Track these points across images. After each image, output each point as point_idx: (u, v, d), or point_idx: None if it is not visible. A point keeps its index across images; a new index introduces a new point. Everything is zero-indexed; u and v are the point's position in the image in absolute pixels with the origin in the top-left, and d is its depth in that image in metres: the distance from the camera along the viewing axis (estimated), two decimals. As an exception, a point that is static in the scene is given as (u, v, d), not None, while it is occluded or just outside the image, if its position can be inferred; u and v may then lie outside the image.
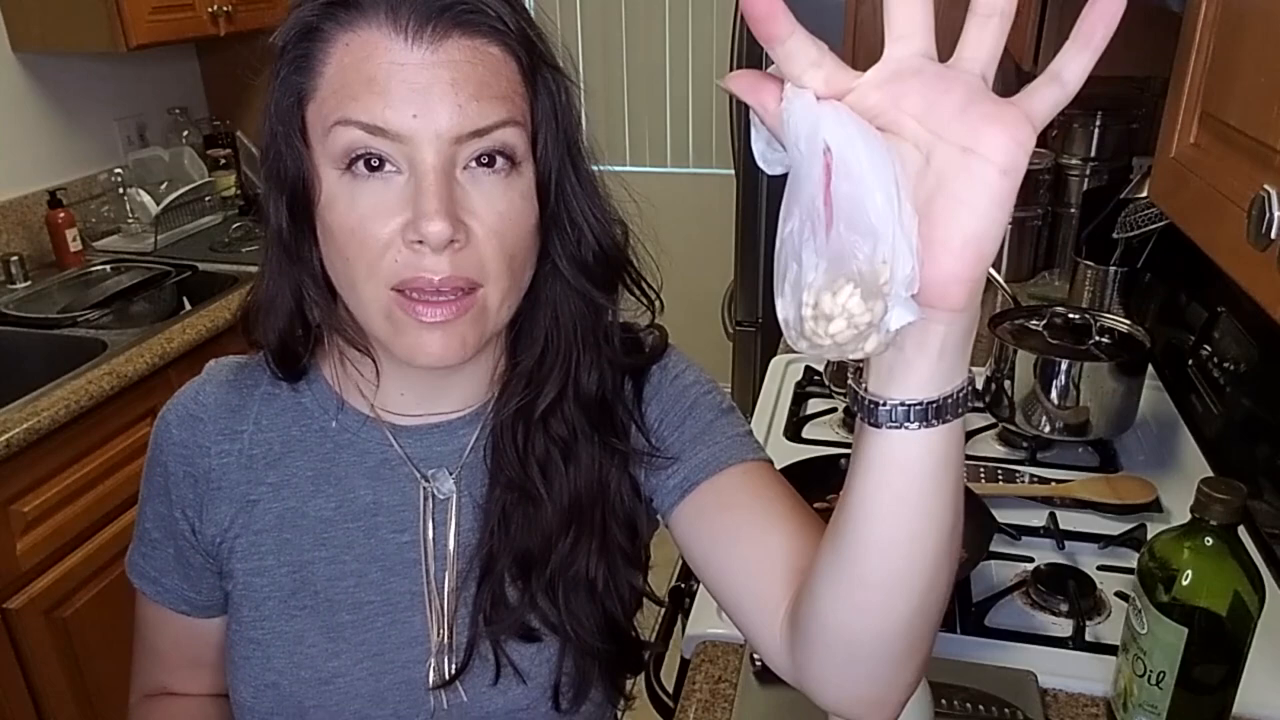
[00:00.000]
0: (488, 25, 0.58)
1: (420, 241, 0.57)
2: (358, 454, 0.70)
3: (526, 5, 0.63)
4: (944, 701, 0.88)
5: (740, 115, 2.28)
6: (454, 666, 0.69)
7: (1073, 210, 2.05)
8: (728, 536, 0.65)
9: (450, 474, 0.70)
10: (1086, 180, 2.04)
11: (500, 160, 0.59)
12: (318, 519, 0.70)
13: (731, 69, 2.29)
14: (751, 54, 2.17)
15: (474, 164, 0.59)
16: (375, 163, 0.57)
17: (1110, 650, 0.95)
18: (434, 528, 0.70)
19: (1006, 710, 0.88)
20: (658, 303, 0.73)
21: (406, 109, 0.56)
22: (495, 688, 0.70)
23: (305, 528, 0.70)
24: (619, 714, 0.83)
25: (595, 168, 0.67)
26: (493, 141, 0.58)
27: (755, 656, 0.93)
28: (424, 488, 0.70)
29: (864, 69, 0.39)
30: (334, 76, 0.58)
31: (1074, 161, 2.06)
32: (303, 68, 0.59)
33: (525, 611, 0.69)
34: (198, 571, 0.74)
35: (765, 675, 0.93)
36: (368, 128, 0.56)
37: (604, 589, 0.70)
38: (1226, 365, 1.30)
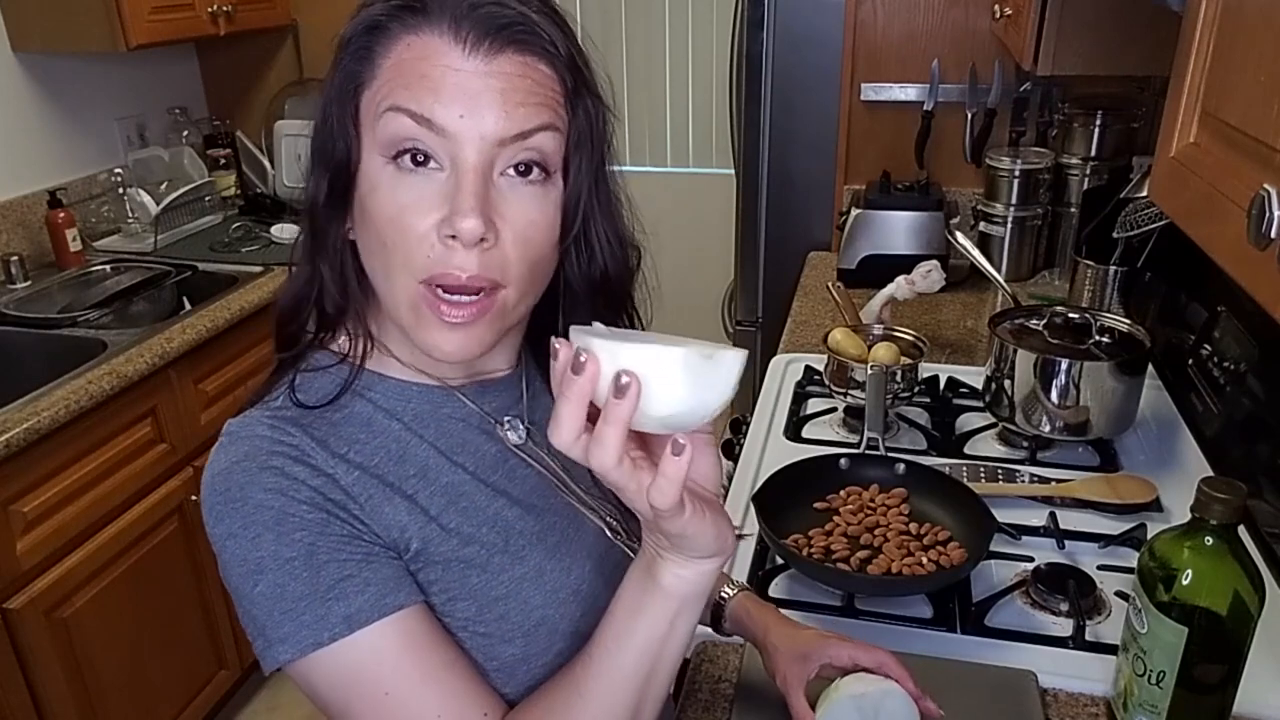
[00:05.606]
0: (540, 46, 0.62)
1: (453, 236, 0.60)
2: (460, 420, 0.74)
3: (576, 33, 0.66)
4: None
5: (740, 115, 2.28)
6: (624, 532, 0.78)
7: (1073, 210, 2.05)
8: None
9: (521, 421, 0.76)
10: (1086, 180, 2.04)
11: (535, 171, 0.63)
12: (472, 481, 0.72)
13: (732, 69, 2.30)
14: (752, 54, 2.17)
15: (511, 171, 0.62)
16: (420, 158, 0.61)
17: (1110, 650, 0.95)
18: (534, 459, 0.76)
19: None
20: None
21: (455, 108, 0.60)
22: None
23: (470, 492, 0.71)
24: None
25: (622, 196, 0.71)
26: (531, 147, 0.62)
27: None
28: (502, 435, 0.75)
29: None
30: (391, 68, 0.62)
31: (1074, 161, 2.06)
32: (364, 58, 0.63)
33: None
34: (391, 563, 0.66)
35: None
36: (416, 117, 0.60)
37: None
38: (1226, 365, 1.30)
